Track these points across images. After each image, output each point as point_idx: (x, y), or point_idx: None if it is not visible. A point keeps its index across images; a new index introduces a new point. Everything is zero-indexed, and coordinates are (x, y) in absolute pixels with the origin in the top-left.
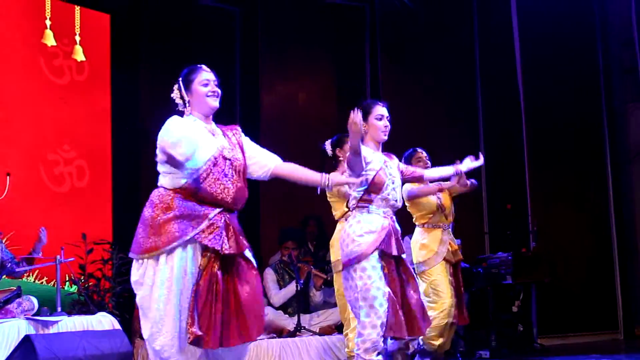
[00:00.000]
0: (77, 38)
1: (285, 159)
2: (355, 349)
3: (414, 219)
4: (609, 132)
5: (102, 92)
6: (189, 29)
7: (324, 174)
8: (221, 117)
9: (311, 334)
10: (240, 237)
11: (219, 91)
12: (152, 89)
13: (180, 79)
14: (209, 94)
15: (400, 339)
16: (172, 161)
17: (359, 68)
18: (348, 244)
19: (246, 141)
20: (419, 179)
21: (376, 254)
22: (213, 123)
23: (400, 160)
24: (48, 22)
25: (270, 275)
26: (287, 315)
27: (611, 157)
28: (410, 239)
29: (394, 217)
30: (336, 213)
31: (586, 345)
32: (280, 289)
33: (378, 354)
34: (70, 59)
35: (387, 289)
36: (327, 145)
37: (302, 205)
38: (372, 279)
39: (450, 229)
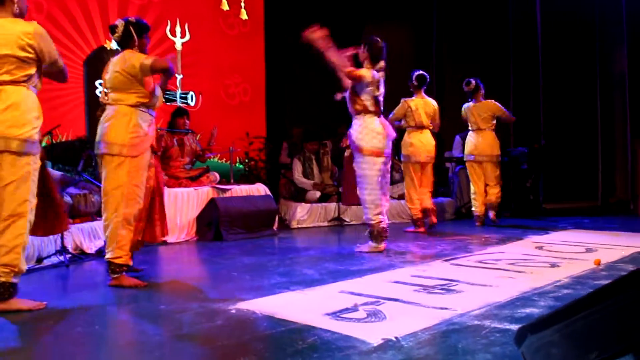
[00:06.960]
0: (242, 4)
1: None
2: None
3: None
4: (600, 67)
5: (258, 40)
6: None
7: None
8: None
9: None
10: None
11: None
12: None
13: None
14: None
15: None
16: None
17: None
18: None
19: None
20: None
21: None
22: None
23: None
24: None
25: None
26: None
27: (600, 84)
28: (460, 137)
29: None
30: None
31: (575, 208)
32: None
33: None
34: (238, 18)
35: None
36: None
37: None
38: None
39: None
